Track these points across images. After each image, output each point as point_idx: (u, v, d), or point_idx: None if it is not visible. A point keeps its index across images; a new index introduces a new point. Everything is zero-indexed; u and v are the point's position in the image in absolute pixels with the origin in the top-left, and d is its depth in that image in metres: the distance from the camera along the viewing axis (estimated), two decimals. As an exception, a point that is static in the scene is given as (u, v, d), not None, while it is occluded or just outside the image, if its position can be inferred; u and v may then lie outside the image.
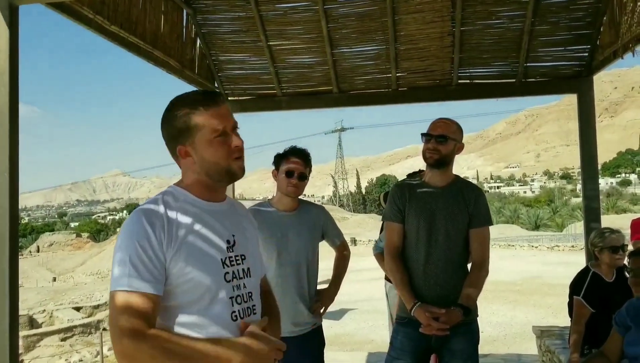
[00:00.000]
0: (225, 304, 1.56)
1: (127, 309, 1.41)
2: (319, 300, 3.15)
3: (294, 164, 3.06)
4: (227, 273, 1.59)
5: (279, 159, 3.12)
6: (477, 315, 2.84)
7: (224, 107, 1.61)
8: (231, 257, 1.62)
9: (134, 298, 1.42)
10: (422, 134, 2.82)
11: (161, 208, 1.53)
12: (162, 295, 1.47)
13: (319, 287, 3.25)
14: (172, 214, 1.53)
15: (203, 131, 1.57)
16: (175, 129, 1.59)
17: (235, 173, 1.62)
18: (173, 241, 1.49)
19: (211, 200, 1.65)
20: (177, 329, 1.50)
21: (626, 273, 3.53)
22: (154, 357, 1.39)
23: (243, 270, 1.64)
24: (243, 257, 1.66)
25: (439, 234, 2.76)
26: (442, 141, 2.75)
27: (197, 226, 1.56)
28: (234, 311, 1.58)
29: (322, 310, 3.17)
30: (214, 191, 1.66)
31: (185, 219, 1.55)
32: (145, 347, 1.38)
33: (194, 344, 1.45)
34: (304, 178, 3.08)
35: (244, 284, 1.63)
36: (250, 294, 1.65)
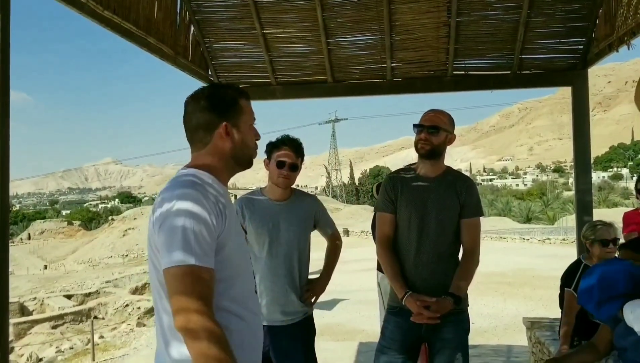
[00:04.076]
0: (251, 279, 1.75)
1: (197, 283, 1.44)
2: (310, 289, 3.16)
3: (285, 154, 3.04)
4: (248, 251, 1.84)
5: (271, 148, 3.11)
6: (468, 305, 2.85)
7: None
8: (245, 238, 1.88)
9: (204, 273, 1.47)
10: (414, 125, 2.83)
11: (208, 189, 1.60)
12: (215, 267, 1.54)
13: (310, 277, 3.25)
14: (211, 192, 1.60)
15: (246, 116, 1.73)
16: (224, 104, 1.69)
17: (252, 161, 1.79)
18: (223, 218, 1.58)
19: (225, 185, 1.76)
20: (227, 303, 1.58)
21: (616, 266, 3.55)
22: (211, 343, 1.40)
23: (248, 250, 1.90)
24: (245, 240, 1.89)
25: (430, 224, 2.77)
26: (434, 132, 2.76)
27: (230, 206, 1.67)
28: (255, 284, 1.79)
29: (313, 300, 3.18)
30: (229, 176, 1.77)
31: (220, 197, 1.63)
32: (209, 331, 1.40)
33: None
34: (295, 168, 3.07)
35: (251, 262, 1.88)
36: (253, 272, 1.89)
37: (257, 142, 1.79)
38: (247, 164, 1.76)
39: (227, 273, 1.60)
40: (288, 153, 3.05)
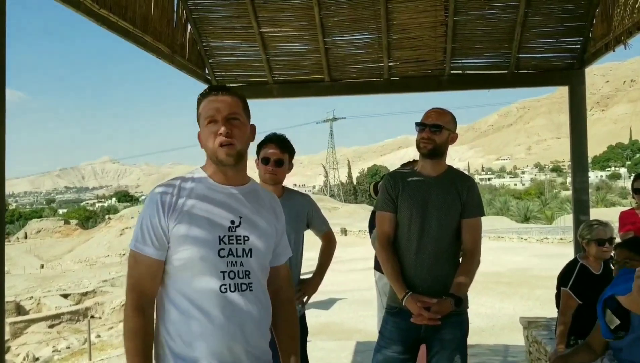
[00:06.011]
0: (215, 276, 1.73)
1: (135, 265, 1.74)
2: (302, 289, 3.15)
3: (269, 151, 3.06)
4: (223, 249, 1.75)
5: (258, 148, 3.13)
6: (468, 306, 2.83)
7: (222, 98, 1.79)
8: (231, 236, 1.77)
9: (140, 258, 1.73)
10: (416, 124, 2.80)
11: (176, 183, 1.79)
12: (165, 259, 1.75)
13: (304, 277, 3.24)
14: (183, 189, 1.78)
15: (201, 117, 1.81)
16: (197, 115, 1.85)
17: (220, 158, 1.77)
18: (177, 212, 1.73)
19: (224, 183, 1.82)
20: (173, 294, 1.75)
21: (612, 265, 3.55)
22: (128, 330, 1.69)
23: (243, 249, 1.78)
24: (246, 238, 1.79)
25: (431, 224, 2.74)
26: (436, 131, 2.73)
27: (203, 203, 1.77)
28: (224, 284, 1.73)
29: (304, 300, 3.17)
30: (225, 174, 1.82)
31: (193, 195, 1.77)
32: (136, 319, 1.69)
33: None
34: (280, 163, 3.07)
35: (241, 262, 1.77)
36: (247, 272, 1.78)
37: (220, 139, 1.75)
38: (217, 163, 1.79)
39: (175, 265, 1.74)
40: (272, 148, 3.06)
